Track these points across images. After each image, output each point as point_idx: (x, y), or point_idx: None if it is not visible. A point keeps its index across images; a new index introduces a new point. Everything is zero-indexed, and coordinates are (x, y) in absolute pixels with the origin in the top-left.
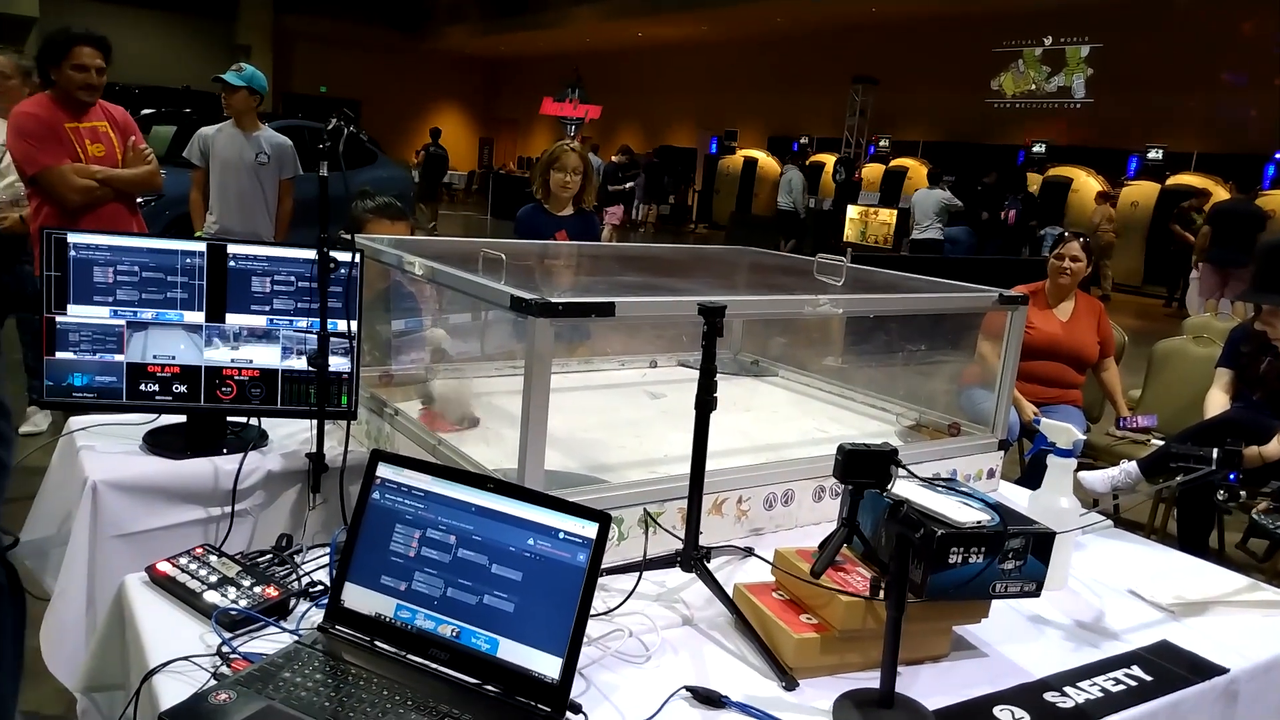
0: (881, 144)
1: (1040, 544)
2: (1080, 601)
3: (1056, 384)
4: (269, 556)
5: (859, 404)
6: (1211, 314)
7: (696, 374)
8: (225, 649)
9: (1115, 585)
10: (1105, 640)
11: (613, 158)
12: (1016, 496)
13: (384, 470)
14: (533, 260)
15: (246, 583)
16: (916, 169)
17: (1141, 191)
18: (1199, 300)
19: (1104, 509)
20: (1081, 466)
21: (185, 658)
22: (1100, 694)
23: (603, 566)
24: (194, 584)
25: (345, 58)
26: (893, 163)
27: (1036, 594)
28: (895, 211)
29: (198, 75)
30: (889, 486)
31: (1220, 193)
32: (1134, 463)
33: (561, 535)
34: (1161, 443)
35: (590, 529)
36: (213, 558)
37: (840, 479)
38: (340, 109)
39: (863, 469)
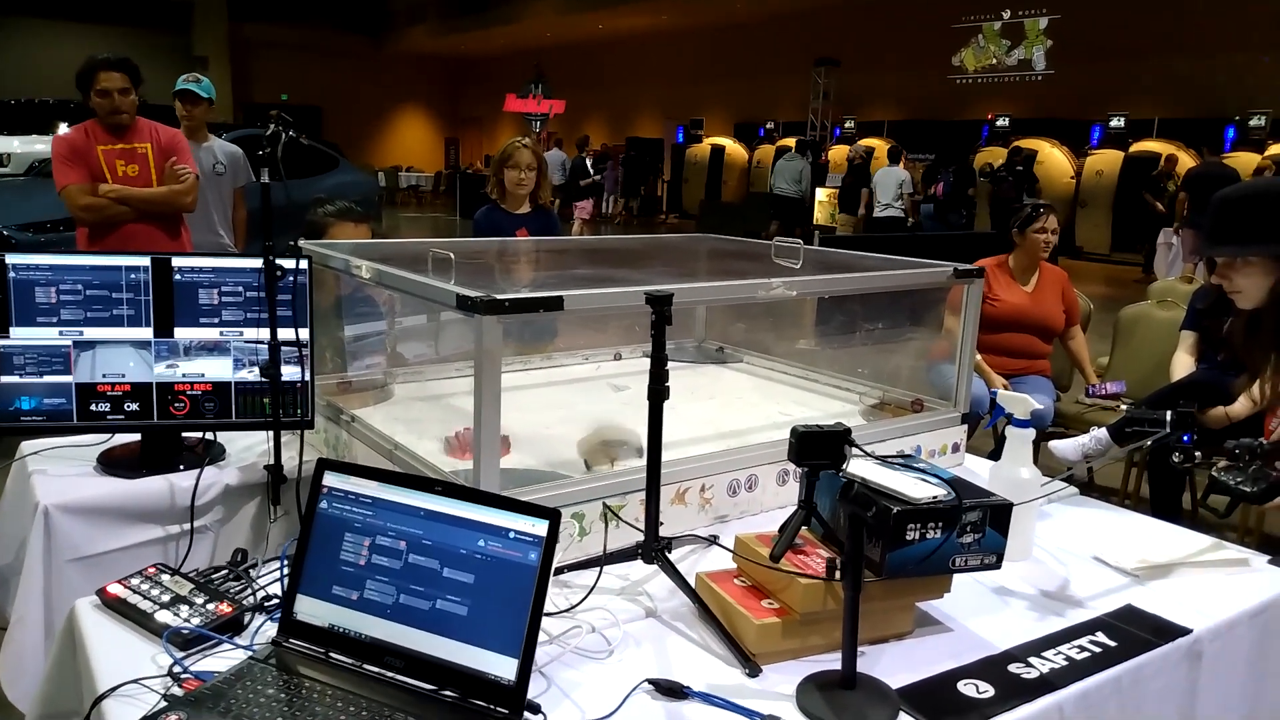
0: (847, 125)
1: (998, 516)
2: (1045, 571)
3: (1024, 355)
4: (224, 572)
5: (823, 386)
6: (1188, 278)
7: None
8: (176, 669)
9: (1080, 553)
10: (1070, 608)
11: (581, 153)
12: (983, 470)
13: (331, 479)
14: (489, 258)
15: (199, 600)
16: (883, 149)
17: (1106, 160)
18: (1167, 265)
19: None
20: (1053, 436)
21: (135, 680)
22: (1065, 662)
23: (565, 563)
24: (145, 604)
25: (306, 65)
26: (858, 144)
27: (997, 566)
28: (865, 192)
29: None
30: (844, 466)
31: (1184, 158)
32: (1104, 429)
33: (512, 535)
34: (1129, 407)
35: (540, 527)
36: (165, 576)
37: (795, 461)
38: (278, 113)
39: (817, 450)
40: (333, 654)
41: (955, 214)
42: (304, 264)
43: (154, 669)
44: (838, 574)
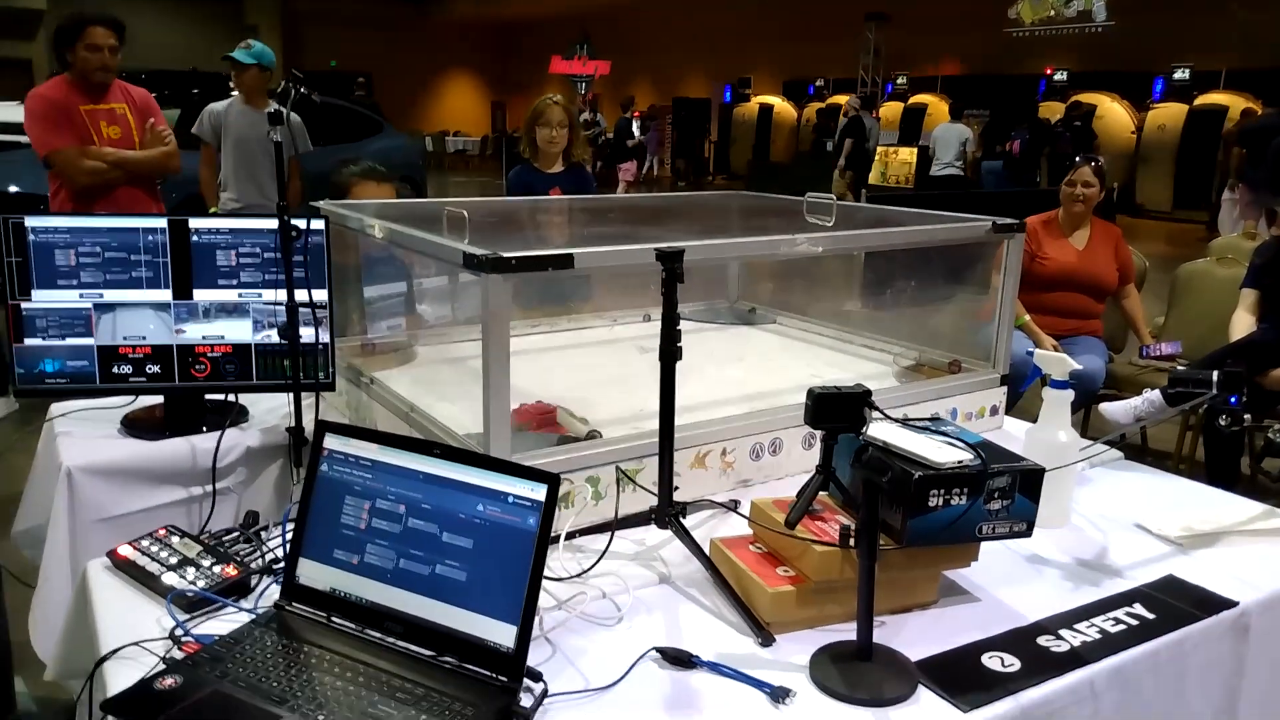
0: (899, 81)
1: (1028, 481)
2: (1082, 539)
3: (1075, 315)
4: (235, 535)
5: (857, 347)
6: (1251, 234)
7: (690, 325)
8: (178, 632)
9: (1121, 520)
10: (1107, 578)
11: (625, 113)
12: (1023, 434)
13: (331, 441)
14: (515, 218)
15: (206, 563)
16: (936, 105)
17: (1169, 114)
18: (1232, 222)
19: (1122, 440)
20: (1105, 398)
21: (137, 643)
22: (1098, 635)
23: (578, 527)
24: (153, 566)
25: (355, 33)
26: (911, 100)
27: (1027, 534)
28: (915, 150)
29: (205, 57)
30: (864, 430)
31: (1253, 110)
32: (1157, 391)
33: (511, 499)
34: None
35: (539, 491)
36: (175, 539)
37: (811, 424)
38: (290, 69)
39: (835, 412)
40: (334, 618)
41: (1030, 174)
42: (320, 224)
43: (158, 631)
44: (852, 541)
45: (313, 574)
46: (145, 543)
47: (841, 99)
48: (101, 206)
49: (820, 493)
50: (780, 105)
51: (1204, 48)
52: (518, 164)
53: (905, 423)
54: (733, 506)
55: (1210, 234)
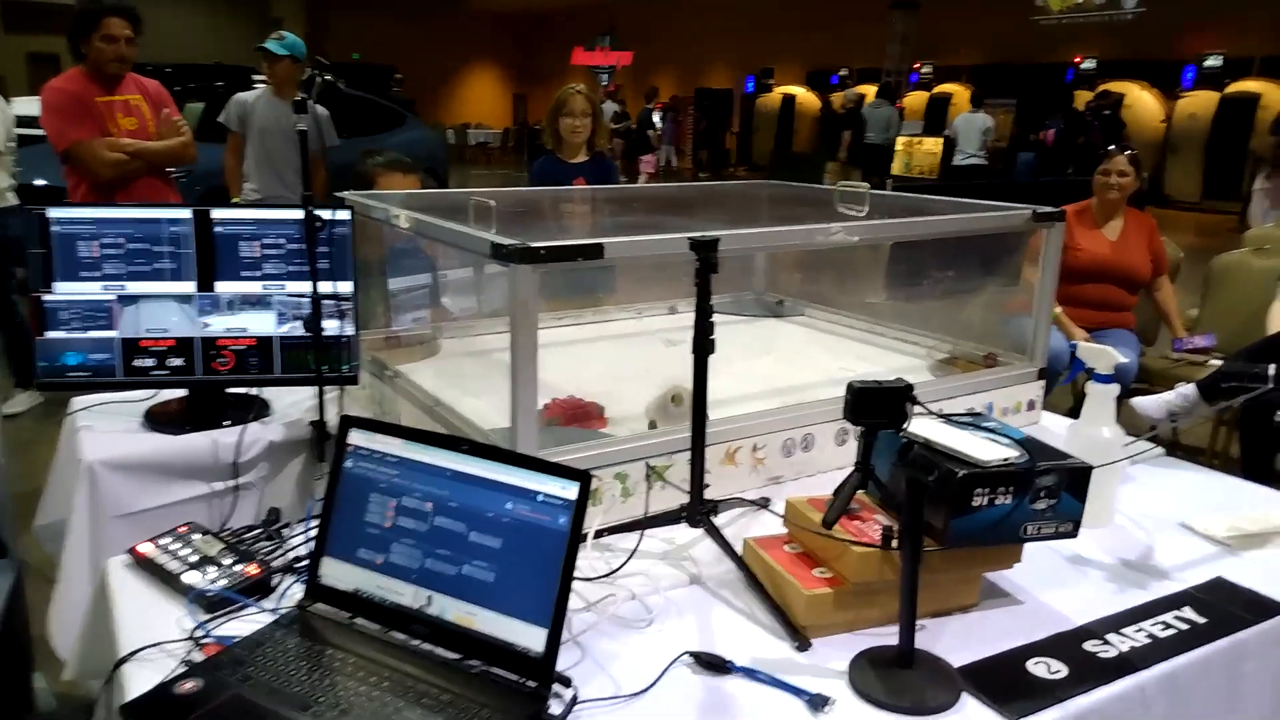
0: (924, 70)
1: (1075, 479)
2: (1127, 539)
3: (1107, 307)
4: (257, 532)
5: (889, 340)
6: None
7: (716, 318)
8: (199, 633)
9: (1166, 519)
10: (1154, 580)
11: (648, 104)
12: (1061, 429)
13: (355, 437)
14: (539, 208)
15: (228, 561)
16: (961, 94)
17: (1199, 102)
18: (1262, 213)
19: (1161, 435)
20: (1137, 392)
21: (156, 644)
22: (1147, 640)
23: (606, 525)
24: (174, 565)
25: (379, 25)
26: (936, 89)
27: (1073, 534)
28: (940, 140)
29: (229, 51)
30: (905, 425)
31: None
32: (1191, 385)
33: (540, 498)
34: (1221, 363)
35: (571, 490)
36: (196, 536)
37: (851, 420)
38: (314, 58)
39: (875, 408)
40: (357, 620)
41: (1064, 164)
42: (345, 214)
43: (178, 632)
44: (894, 543)
45: (336, 573)
46: (166, 540)
47: (868, 89)
48: (121, 197)
49: (858, 491)
50: (803, 95)
51: (1236, 34)
52: (541, 155)
53: (947, 418)
54: (764, 504)
55: (1242, 225)
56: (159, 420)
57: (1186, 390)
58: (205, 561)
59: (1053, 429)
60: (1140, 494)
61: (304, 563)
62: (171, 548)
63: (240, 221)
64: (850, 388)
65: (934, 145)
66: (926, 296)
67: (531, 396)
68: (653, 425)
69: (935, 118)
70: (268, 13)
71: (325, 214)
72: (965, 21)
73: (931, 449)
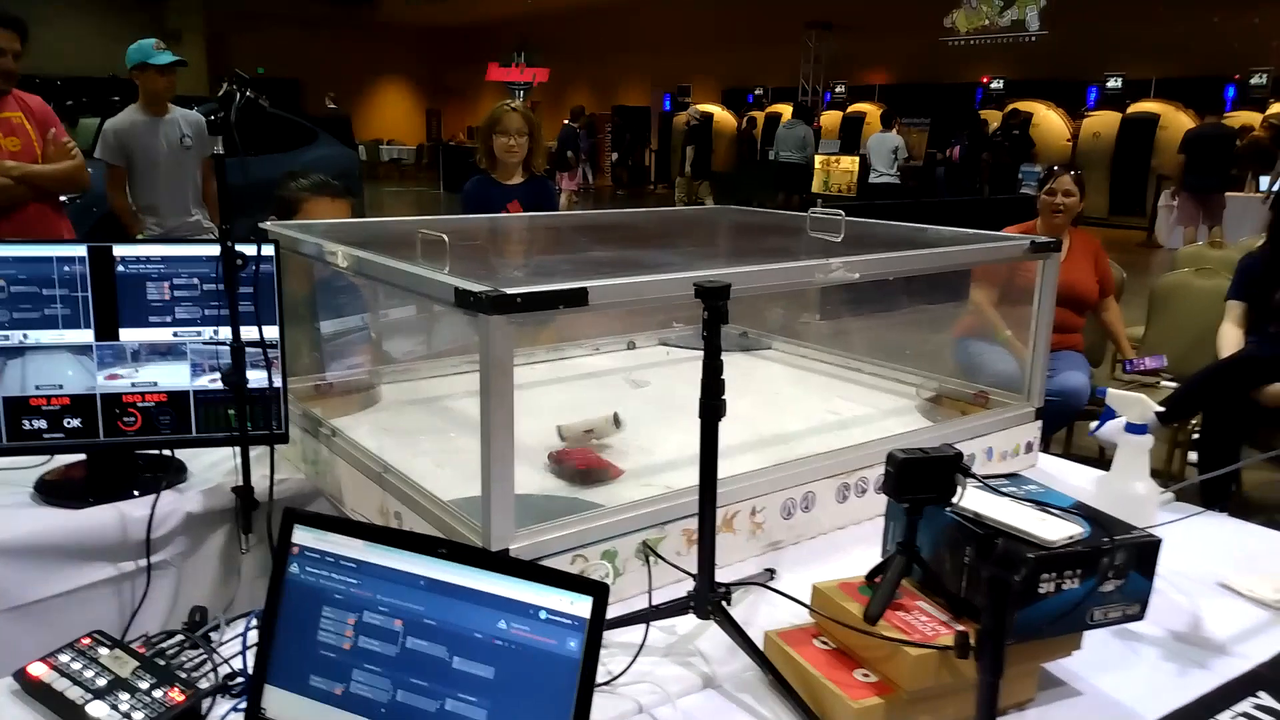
0: (838, 90)
1: (1145, 555)
2: (1169, 604)
3: (1057, 329)
4: (179, 639)
5: (867, 376)
6: (1216, 243)
7: (682, 354)
8: None
9: (1202, 578)
10: (1212, 656)
11: (573, 122)
12: (1061, 472)
13: (301, 535)
14: (482, 238)
15: (144, 684)
16: (875, 114)
17: (1103, 122)
18: (1169, 229)
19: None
20: (1085, 415)
21: None
22: None
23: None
24: (75, 692)
25: (283, 38)
26: (850, 109)
27: (1140, 616)
28: (856, 159)
29: (124, 63)
30: (956, 499)
31: (1183, 118)
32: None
33: (543, 615)
34: (1173, 385)
35: (582, 605)
36: (103, 650)
37: (893, 496)
38: (232, 71)
39: (922, 481)
40: None
41: (969, 179)
42: (269, 250)
43: None
44: (971, 652)
45: (283, 708)
46: (64, 658)
47: (784, 108)
48: (4, 228)
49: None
50: (720, 114)
51: (1135, 57)
52: (472, 174)
53: (986, 482)
54: (765, 584)
55: (1150, 240)
56: (54, 491)
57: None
58: (116, 685)
59: (1051, 473)
60: (1166, 546)
61: (239, 681)
62: (72, 668)
63: (147, 259)
64: (893, 460)
65: (850, 164)
66: (888, 323)
67: (508, 466)
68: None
69: (850, 137)
70: (164, 24)
71: (247, 250)
72: (877, 42)
73: (985, 526)
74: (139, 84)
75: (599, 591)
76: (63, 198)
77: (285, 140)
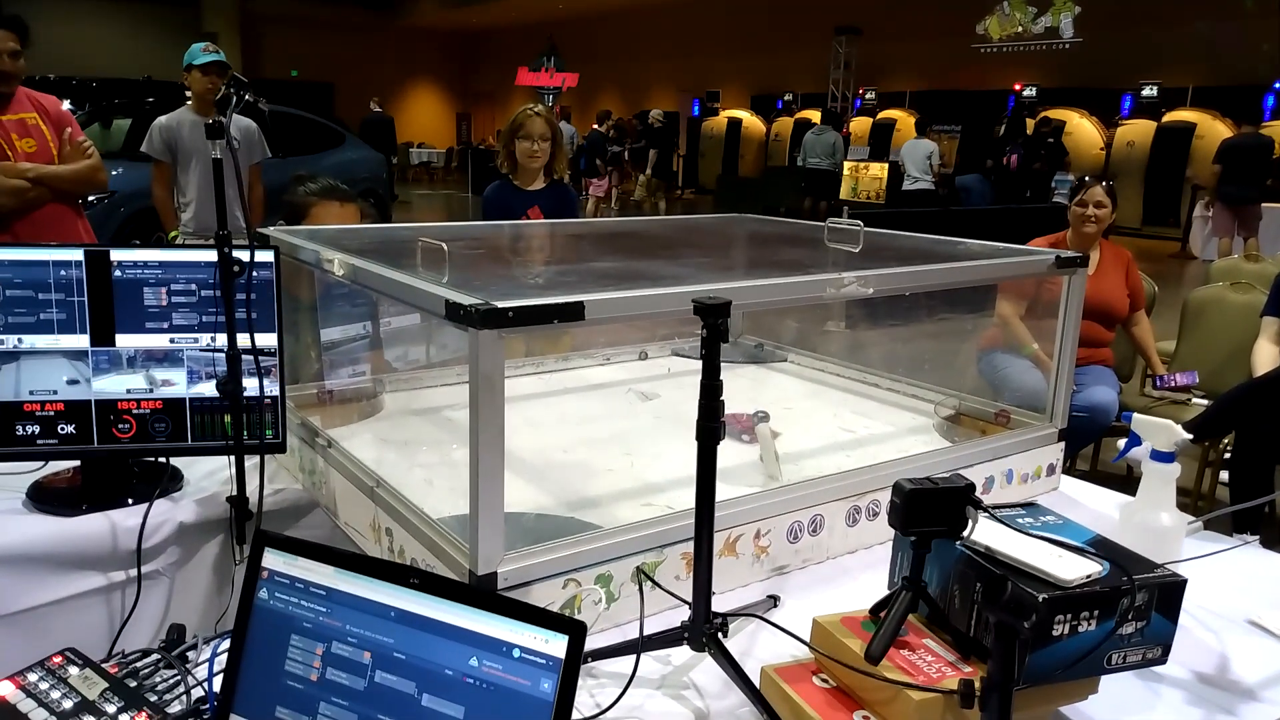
0: (868, 96)
1: (1168, 596)
2: (1194, 643)
3: (1085, 343)
4: (154, 659)
5: (883, 391)
6: (1252, 256)
7: (694, 365)
8: None
9: (1230, 614)
10: (1240, 701)
11: (599, 126)
12: (1084, 496)
13: (272, 560)
14: (495, 247)
15: (111, 708)
16: (905, 120)
17: (1137, 130)
18: (1203, 240)
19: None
20: (1116, 431)
21: None
22: None
23: (590, 648)
24: (39, 715)
25: (316, 40)
26: (880, 115)
27: (1163, 660)
28: (886, 165)
29: (159, 65)
30: (966, 533)
31: (1220, 127)
32: (1179, 428)
33: (517, 653)
34: (1205, 402)
35: (557, 644)
36: (73, 670)
37: (900, 529)
38: (231, 73)
39: (931, 513)
40: None
41: (1022, 189)
42: (268, 256)
43: None
44: (976, 702)
45: None
46: (33, 677)
47: (813, 114)
48: (23, 230)
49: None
50: (749, 119)
51: (1171, 65)
52: (495, 179)
53: (994, 513)
54: (771, 607)
55: (1183, 251)
56: (47, 497)
57: (1175, 435)
58: (82, 709)
59: (1075, 497)
60: (1193, 580)
61: (209, 708)
62: (40, 688)
63: (144, 264)
64: (900, 490)
65: (879, 170)
66: (906, 336)
67: (497, 485)
68: None
69: (880, 143)
70: (200, 27)
71: (245, 255)
72: (907, 48)
73: (997, 562)
74: (189, 85)
75: (575, 630)
76: (90, 196)
77: (313, 143)
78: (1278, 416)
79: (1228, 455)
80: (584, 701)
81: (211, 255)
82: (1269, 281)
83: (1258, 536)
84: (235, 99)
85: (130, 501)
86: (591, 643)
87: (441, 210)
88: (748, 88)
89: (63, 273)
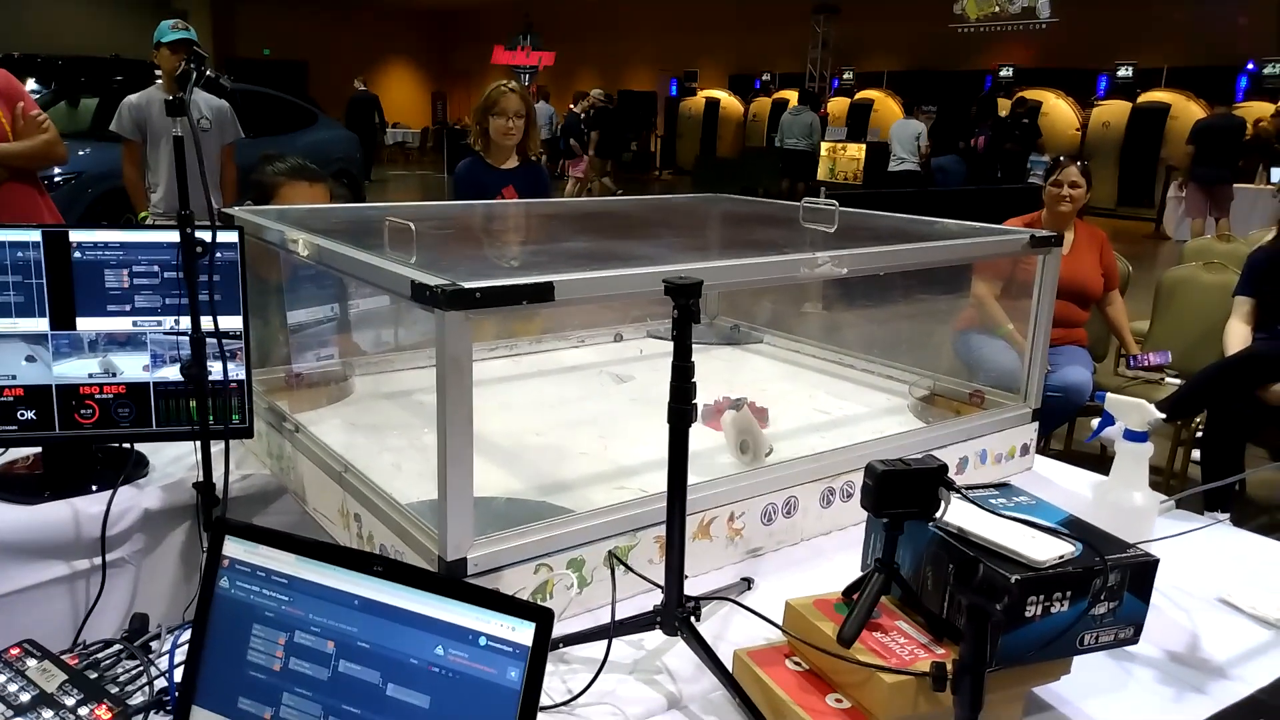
0: (845, 77)
1: (1140, 576)
2: (1165, 622)
3: (1060, 323)
4: (116, 649)
5: (859, 372)
6: (1224, 236)
7: (669, 346)
8: None
9: (1201, 593)
10: (1210, 679)
11: (570, 107)
12: (1058, 476)
13: (233, 548)
14: (466, 226)
15: (70, 701)
16: (883, 100)
17: (1112, 111)
18: (1176, 220)
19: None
20: (1087, 411)
21: None
22: None
23: (561, 634)
24: None
25: (289, 18)
26: (858, 95)
27: (1134, 640)
28: (864, 146)
29: (127, 44)
30: (939, 515)
31: (1194, 108)
32: (1152, 407)
33: (483, 641)
34: (1178, 381)
35: (524, 632)
36: (31, 663)
37: (872, 511)
38: (191, 47)
39: (903, 495)
40: None
41: (992, 170)
42: (231, 236)
43: None
44: (948, 685)
45: None
46: None
47: (790, 94)
48: None
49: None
50: (727, 100)
51: (1146, 45)
52: (467, 156)
53: (966, 494)
54: (744, 589)
55: (1158, 231)
56: (8, 485)
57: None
58: (40, 701)
59: (1049, 477)
60: (1165, 559)
61: (171, 699)
62: None
63: (105, 246)
64: (871, 472)
65: (857, 151)
66: (882, 317)
67: (466, 470)
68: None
69: (857, 123)
70: (169, 4)
71: (207, 236)
72: (886, 26)
73: (970, 544)
74: (158, 64)
75: (543, 617)
76: (56, 177)
77: (285, 122)
78: (1249, 395)
79: (1200, 434)
80: (556, 687)
81: (174, 236)
82: (1241, 261)
83: (1229, 515)
84: (196, 75)
85: (94, 488)
86: (564, 628)
87: (416, 191)
88: (726, 67)
89: (20, 254)
